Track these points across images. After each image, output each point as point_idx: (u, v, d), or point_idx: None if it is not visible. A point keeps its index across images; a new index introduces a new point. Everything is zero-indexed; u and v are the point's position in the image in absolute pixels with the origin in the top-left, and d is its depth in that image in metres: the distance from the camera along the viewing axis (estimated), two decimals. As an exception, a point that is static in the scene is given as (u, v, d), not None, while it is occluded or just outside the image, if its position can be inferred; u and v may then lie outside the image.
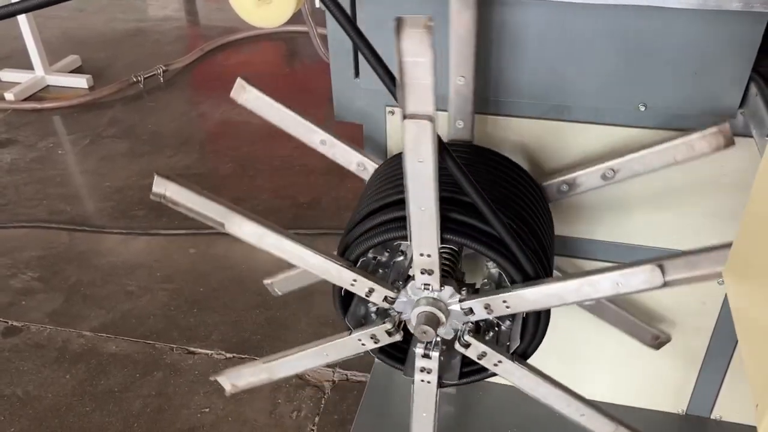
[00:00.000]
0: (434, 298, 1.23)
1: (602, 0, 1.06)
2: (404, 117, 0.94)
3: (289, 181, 3.14)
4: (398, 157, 1.21)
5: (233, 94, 1.45)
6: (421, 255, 1.14)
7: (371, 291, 1.22)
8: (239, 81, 1.42)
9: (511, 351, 1.26)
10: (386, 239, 1.18)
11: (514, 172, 1.33)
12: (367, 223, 1.20)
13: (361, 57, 1.44)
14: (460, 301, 1.21)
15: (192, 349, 2.28)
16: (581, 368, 1.77)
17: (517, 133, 1.43)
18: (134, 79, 4.09)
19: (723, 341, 1.62)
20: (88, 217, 2.99)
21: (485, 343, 1.24)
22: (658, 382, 1.75)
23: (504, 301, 1.18)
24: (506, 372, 1.26)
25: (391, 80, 1.04)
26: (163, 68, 4.20)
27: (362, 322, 1.33)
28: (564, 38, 1.27)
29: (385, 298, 1.23)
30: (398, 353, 1.39)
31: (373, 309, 1.34)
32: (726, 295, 1.55)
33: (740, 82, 1.25)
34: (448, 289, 1.22)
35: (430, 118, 0.93)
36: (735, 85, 1.25)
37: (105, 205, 3.07)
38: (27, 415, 2.06)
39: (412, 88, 0.91)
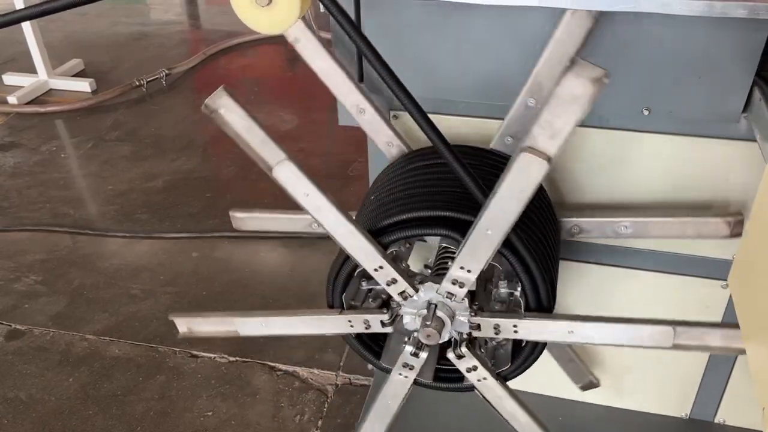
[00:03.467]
0: (449, 305, 1.23)
1: (610, 6, 1.06)
2: (524, 147, 0.93)
3: (292, 185, 3.14)
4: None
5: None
6: (462, 268, 1.14)
7: (393, 281, 1.19)
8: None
9: (498, 371, 1.27)
10: (431, 234, 1.16)
11: (545, 199, 1.35)
12: (414, 212, 1.16)
13: (365, 61, 1.44)
14: (471, 315, 1.22)
15: (195, 352, 2.28)
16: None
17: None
18: (137, 83, 4.10)
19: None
20: (92, 221, 3.00)
21: (478, 358, 1.24)
22: (662, 386, 1.75)
23: (514, 326, 1.19)
24: (486, 389, 1.27)
25: (396, 85, 1.04)
26: (166, 72, 4.21)
27: (351, 299, 1.29)
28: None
29: (402, 293, 1.21)
30: (372, 344, 1.38)
31: (367, 288, 1.30)
32: (729, 298, 1.56)
33: (744, 86, 1.25)
34: (428, 286, 1.21)
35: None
36: (738, 90, 1.25)
37: (108, 208, 3.07)
38: (30, 419, 2.06)
39: (548, 125, 0.90)
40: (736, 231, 1.34)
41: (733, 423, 1.72)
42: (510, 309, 1.24)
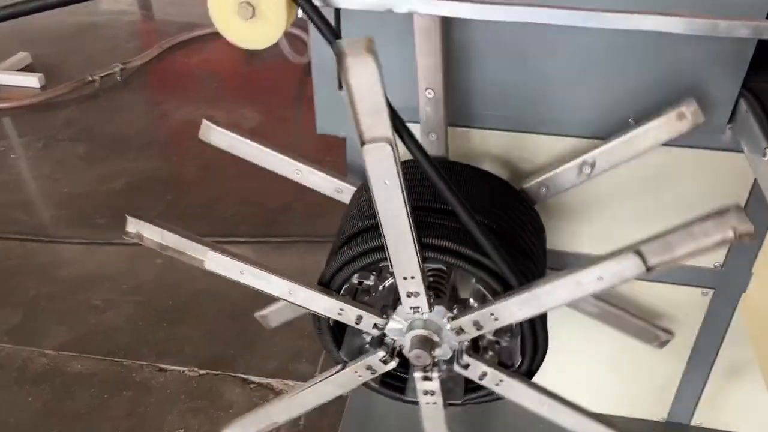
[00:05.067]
0: (425, 320, 1.20)
1: (609, 24, 1.03)
2: (362, 143, 0.92)
3: (258, 186, 3.05)
4: None
5: (201, 135, 1.45)
6: (405, 278, 1.12)
7: (360, 318, 1.19)
8: (204, 122, 1.42)
9: (514, 369, 1.23)
10: (366, 264, 1.16)
11: (490, 179, 1.32)
12: (347, 250, 1.18)
13: None
14: (450, 320, 1.18)
15: (163, 365, 2.19)
16: (560, 377, 1.76)
17: (496, 147, 1.41)
18: (90, 78, 3.92)
19: (706, 348, 1.63)
20: (46, 227, 2.85)
21: (484, 362, 1.21)
22: (640, 390, 1.76)
23: (491, 314, 1.14)
24: (509, 391, 1.23)
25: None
26: (121, 66, 4.04)
27: (358, 354, 1.29)
28: (551, 52, 1.25)
29: (375, 326, 1.20)
30: (400, 383, 1.35)
31: (368, 339, 1.30)
32: (709, 304, 1.58)
33: (730, 98, 1.25)
34: (439, 310, 1.18)
35: (389, 141, 0.92)
36: (724, 101, 1.25)
37: (63, 213, 2.93)
38: (-13, 443, 1.95)
39: (365, 114, 0.89)
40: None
41: (709, 425, 1.75)
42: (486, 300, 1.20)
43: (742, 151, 1.25)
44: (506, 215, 1.24)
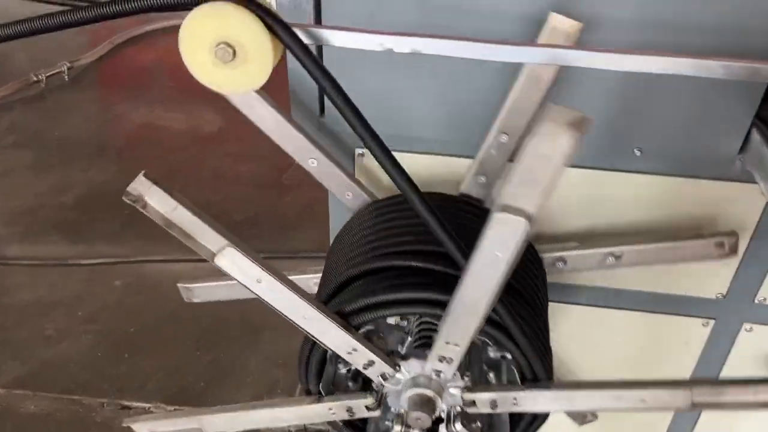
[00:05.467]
0: (432, 379, 1.12)
1: (618, 65, 0.95)
2: (500, 207, 0.84)
3: (222, 195, 2.90)
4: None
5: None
6: (447, 343, 1.04)
7: (370, 363, 1.10)
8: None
9: None
10: (408, 312, 1.09)
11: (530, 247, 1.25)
12: (386, 290, 1.08)
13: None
14: (464, 391, 1.12)
15: (126, 402, 2.04)
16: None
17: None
18: (35, 78, 3.69)
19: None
20: (-9, 246, 2.64)
21: None
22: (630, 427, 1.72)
23: (514, 399, 1.10)
24: None
25: (362, 126, 0.89)
26: (68, 65, 3.80)
27: (330, 383, 1.20)
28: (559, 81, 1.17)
29: (383, 374, 1.11)
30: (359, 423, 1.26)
31: (344, 370, 1.21)
32: (709, 335, 1.54)
33: (741, 128, 1.21)
34: (412, 362, 1.12)
35: (529, 218, 0.83)
36: (735, 132, 1.22)
37: (11, 230, 2.72)
38: (-69, 500, 1.77)
39: (526, 182, 0.81)
40: (731, 250, 1.28)
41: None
42: (502, 374, 1.15)
43: (749, 182, 1.22)
44: (539, 294, 1.19)
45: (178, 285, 1.32)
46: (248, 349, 2.21)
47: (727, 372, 1.59)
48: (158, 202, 0.98)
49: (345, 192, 1.27)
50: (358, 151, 1.36)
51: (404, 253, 1.11)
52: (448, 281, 1.02)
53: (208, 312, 2.36)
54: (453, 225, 0.99)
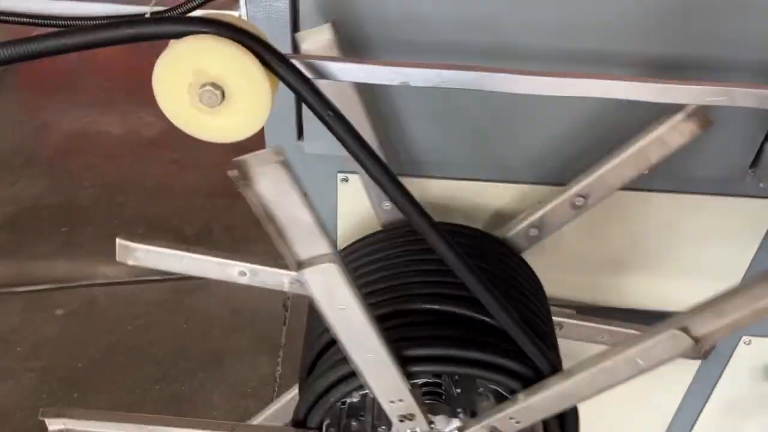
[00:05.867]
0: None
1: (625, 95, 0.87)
2: (299, 267, 0.79)
3: (169, 208, 2.71)
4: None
5: (119, 258, 1.09)
6: (392, 402, 0.99)
7: (409, 417, 1.04)
8: (119, 242, 1.07)
9: None
10: (342, 396, 1.02)
11: (474, 235, 1.18)
12: (319, 379, 1.02)
13: (305, 116, 1.18)
14: (459, 430, 1.05)
15: (79, 449, 1.85)
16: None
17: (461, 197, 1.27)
18: (-53, 81, 3.34)
19: (686, 416, 1.61)
20: None
21: None
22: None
23: (511, 418, 1.02)
24: None
25: (358, 143, 0.77)
26: (-15, 66, 3.46)
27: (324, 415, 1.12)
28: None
29: (412, 429, 1.05)
30: None
31: (340, 403, 1.12)
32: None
33: (753, 143, 1.19)
34: (441, 419, 1.05)
35: (332, 258, 0.78)
36: (747, 146, 1.19)
37: (-70, 257, 2.45)
38: None
39: (293, 232, 0.76)
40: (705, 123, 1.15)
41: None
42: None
43: (760, 197, 1.22)
44: (513, 285, 1.10)
45: (117, 239, 1.10)
46: (210, 380, 2.06)
47: (725, 384, 1.59)
48: (271, 183, 0.75)
49: (287, 283, 1.10)
50: (341, 175, 1.26)
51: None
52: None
53: (163, 338, 2.19)
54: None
